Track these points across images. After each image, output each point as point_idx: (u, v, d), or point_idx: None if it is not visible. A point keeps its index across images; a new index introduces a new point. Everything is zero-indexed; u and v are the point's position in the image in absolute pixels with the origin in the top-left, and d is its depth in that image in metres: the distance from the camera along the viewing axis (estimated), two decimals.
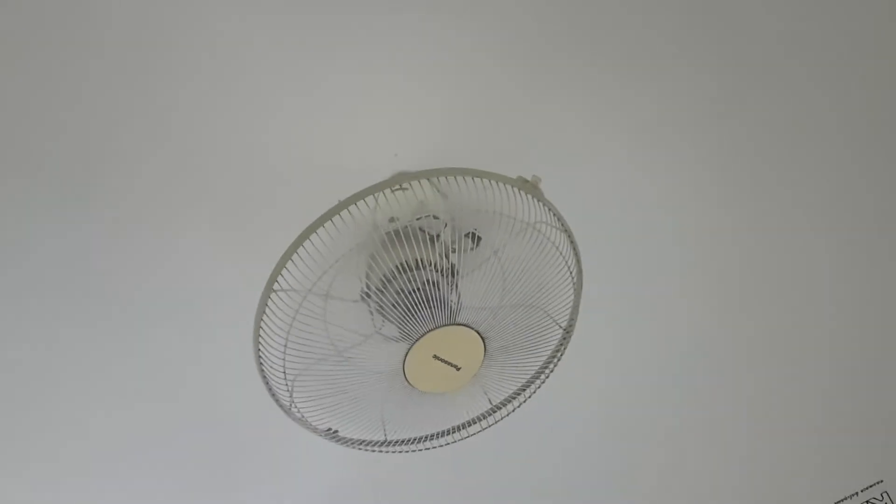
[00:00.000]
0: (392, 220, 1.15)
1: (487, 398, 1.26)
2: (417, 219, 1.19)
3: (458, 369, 1.08)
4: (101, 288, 1.21)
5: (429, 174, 1.02)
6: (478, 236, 1.15)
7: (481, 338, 1.08)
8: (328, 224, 0.98)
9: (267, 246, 1.10)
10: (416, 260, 1.13)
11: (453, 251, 1.17)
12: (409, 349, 1.04)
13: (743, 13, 1.15)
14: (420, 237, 1.16)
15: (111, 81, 1.01)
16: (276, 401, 1.12)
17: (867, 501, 1.88)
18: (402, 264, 1.13)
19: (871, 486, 1.87)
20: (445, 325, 1.05)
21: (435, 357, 1.06)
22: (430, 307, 1.06)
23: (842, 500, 1.89)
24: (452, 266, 1.16)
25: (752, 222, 1.44)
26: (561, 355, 1.22)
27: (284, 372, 1.07)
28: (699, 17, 1.13)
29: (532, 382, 1.25)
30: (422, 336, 1.03)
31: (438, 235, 1.19)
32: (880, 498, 1.87)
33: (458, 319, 1.07)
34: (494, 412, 1.26)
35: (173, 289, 1.24)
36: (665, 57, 1.17)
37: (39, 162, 1.06)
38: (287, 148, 1.14)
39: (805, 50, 1.20)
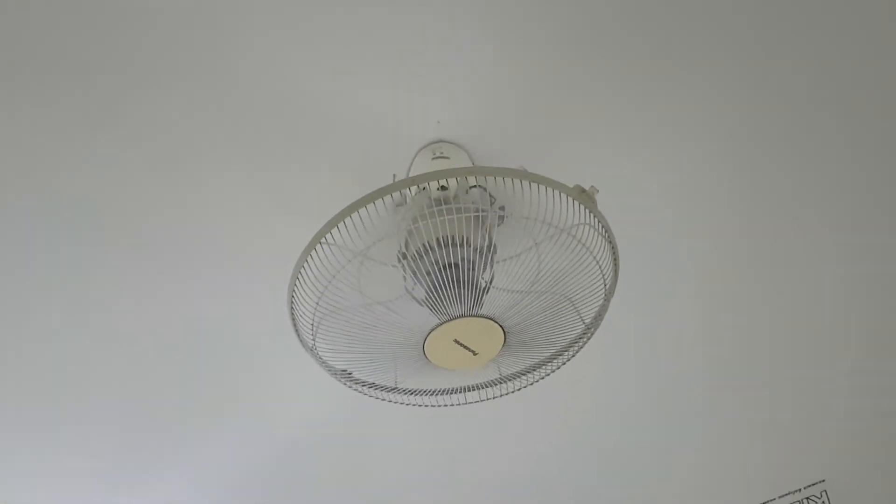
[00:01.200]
0: (442, 188, 1.15)
1: (499, 371, 1.30)
2: (472, 187, 1.19)
3: (475, 354, 1.12)
4: (139, 215, 1.28)
5: (485, 172, 1.00)
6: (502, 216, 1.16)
7: (503, 332, 1.11)
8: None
9: (308, 201, 1.22)
10: (461, 237, 1.14)
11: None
12: (432, 329, 1.07)
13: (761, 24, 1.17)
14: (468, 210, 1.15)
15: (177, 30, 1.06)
16: (301, 340, 1.18)
17: (807, 499, 1.95)
18: (443, 238, 1.14)
19: (813, 485, 1.94)
20: (472, 315, 1.07)
21: (455, 341, 1.09)
22: (459, 287, 1.09)
23: (784, 495, 1.97)
24: (491, 245, 1.17)
25: (765, 226, 1.46)
26: (579, 349, 1.26)
27: (313, 323, 1.12)
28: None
29: (545, 364, 1.29)
30: (446, 321, 1.06)
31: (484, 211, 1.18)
32: (819, 496, 1.94)
33: (485, 307, 1.10)
34: (503, 382, 1.31)
35: (210, 229, 1.33)
36: (688, 62, 1.20)
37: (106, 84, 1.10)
38: (336, 110, 1.19)
39: (813, 56, 1.21)
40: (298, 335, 1.17)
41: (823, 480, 1.95)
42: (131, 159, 1.21)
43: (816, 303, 1.60)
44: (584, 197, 1.06)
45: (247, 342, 1.53)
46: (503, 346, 1.13)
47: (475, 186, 1.19)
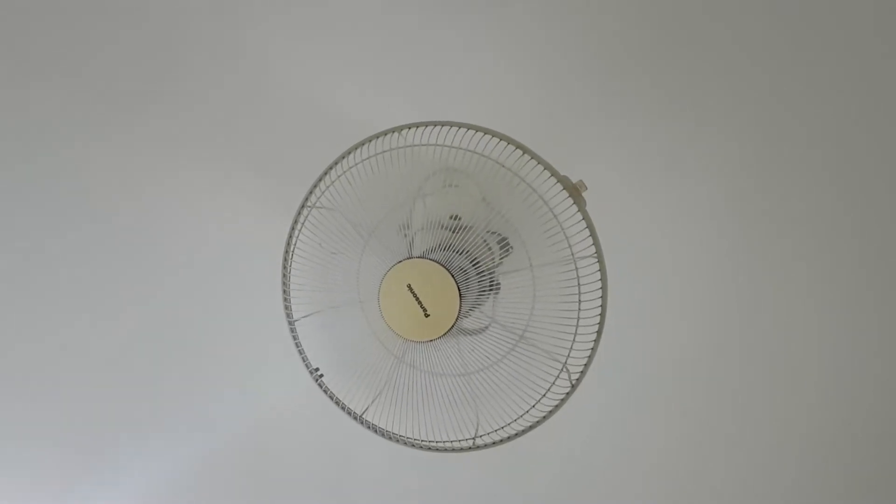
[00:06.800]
0: (454, 217, 1.25)
1: (476, 429, 1.16)
2: (491, 232, 1.25)
3: (427, 316, 1.07)
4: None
5: (482, 129, 1.07)
6: (510, 246, 1.19)
7: (459, 295, 1.07)
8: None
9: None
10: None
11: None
12: (391, 266, 1.08)
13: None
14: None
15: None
16: (288, 320, 1.22)
17: None
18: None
19: None
20: (433, 260, 1.07)
21: (409, 287, 1.08)
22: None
23: None
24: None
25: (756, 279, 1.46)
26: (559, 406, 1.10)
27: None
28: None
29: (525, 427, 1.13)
30: (406, 259, 1.07)
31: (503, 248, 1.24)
32: None
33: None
34: (477, 447, 1.15)
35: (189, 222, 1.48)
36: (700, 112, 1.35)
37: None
38: (345, 119, 1.38)
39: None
40: (286, 307, 1.23)
41: None
42: (124, 142, 1.40)
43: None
44: (573, 189, 1.11)
45: (221, 336, 1.54)
46: (457, 318, 1.08)
47: (494, 233, 1.27)
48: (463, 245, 1.14)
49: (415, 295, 1.06)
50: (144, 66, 1.38)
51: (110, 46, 1.37)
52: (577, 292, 1.05)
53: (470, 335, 1.17)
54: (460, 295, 1.05)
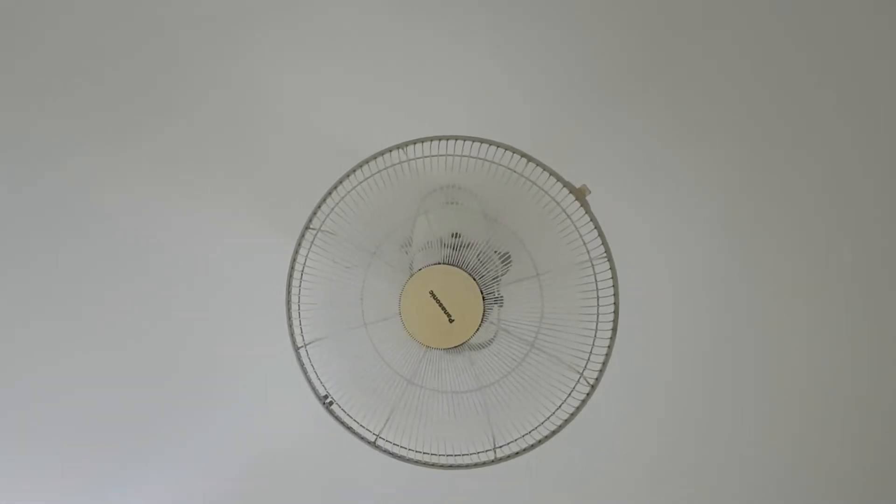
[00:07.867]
0: (455, 235, 1.26)
1: (493, 442, 1.14)
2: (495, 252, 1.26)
3: (451, 321, 1.06)
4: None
5: (488, 142, 1.10)
6: (510, 261, 1.21)
7: (482, 296, 1.07)
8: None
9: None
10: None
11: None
12: (412, 275, 1.07)
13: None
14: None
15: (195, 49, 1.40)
16: (294, 347, 1.17)
17: None
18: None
19: None
20: (454, 265, 1.06)
21: (431, 294, 1.07)
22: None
23: None
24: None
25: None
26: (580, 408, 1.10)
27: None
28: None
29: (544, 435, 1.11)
30: (430, 265, 1.06)
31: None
32: None
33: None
34: (499, 460, 1.12)
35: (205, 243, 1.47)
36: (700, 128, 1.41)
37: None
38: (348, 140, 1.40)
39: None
40: (292, 333, 1.18)
41: None
42: (130, 159, 1.40)
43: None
44: (577, 193, 1.14)
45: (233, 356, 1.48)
46: (481, 321, 1.07)
47: (495, 252, 1.28)
48: (464, 261, 1.14)
49: (438, 301, 1.04)
50: (150, 83, 1.37)
51: (122, 63, 1.37)
52: (594, 290, 1.07)
53: (477, 349, 1.16)
54: (483, 298, 1.04)
